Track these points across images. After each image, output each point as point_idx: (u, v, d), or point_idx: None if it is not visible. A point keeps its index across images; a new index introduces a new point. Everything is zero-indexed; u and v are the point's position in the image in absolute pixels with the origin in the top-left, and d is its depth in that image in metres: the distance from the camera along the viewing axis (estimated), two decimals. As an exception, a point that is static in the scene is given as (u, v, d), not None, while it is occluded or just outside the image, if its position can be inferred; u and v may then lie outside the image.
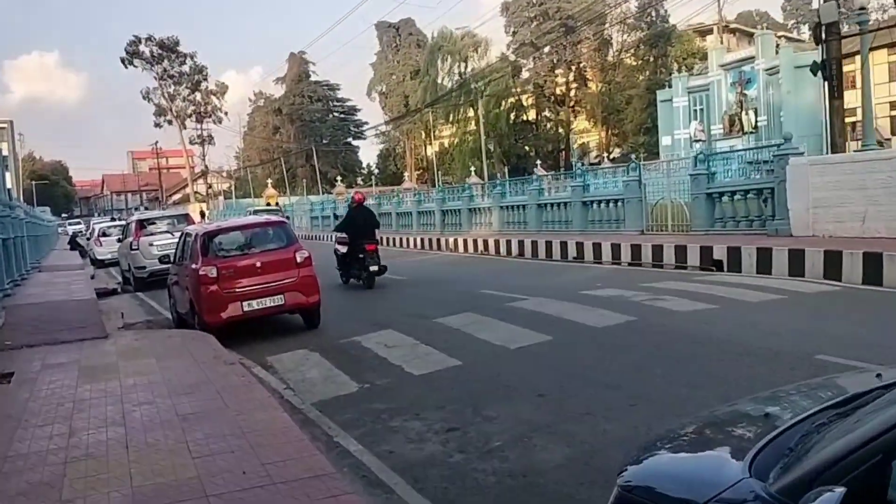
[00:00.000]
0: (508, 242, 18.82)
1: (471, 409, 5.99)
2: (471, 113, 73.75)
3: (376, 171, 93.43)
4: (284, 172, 76.90)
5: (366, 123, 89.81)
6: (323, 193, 71.34)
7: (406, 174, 75.45)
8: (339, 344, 9.22)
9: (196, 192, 76.00)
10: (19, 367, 7.24)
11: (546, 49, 72.37)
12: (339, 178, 71.20)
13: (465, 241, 21.15)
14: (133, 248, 17.78)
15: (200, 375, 6.56)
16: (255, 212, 25.13)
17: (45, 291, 12.75)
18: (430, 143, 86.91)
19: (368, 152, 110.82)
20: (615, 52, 70.12)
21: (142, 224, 18.39)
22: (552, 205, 19.26)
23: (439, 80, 75.94)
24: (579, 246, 15.84)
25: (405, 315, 10.73)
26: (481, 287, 12.78)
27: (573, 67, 73.73)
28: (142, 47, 69.31)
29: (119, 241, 20.35)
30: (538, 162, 60.56)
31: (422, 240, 24.18)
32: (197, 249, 10.11)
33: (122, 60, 68.61)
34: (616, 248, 14.61)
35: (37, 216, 25.00)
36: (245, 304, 9.80)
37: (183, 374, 6.65)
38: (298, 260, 10.21)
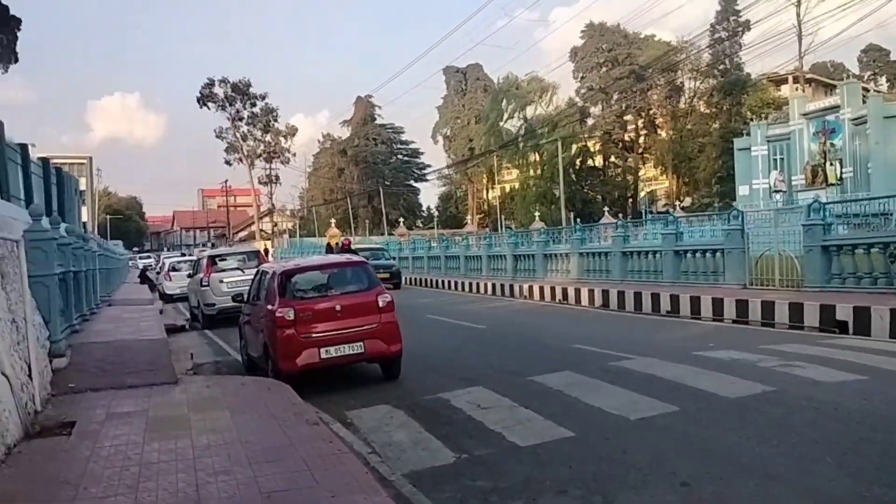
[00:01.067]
0: (591, 292, 17.70)
1: (600, 498, 4.96)
2: (535, 157, 73.30)
3: (436, 213, 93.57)
4: (352, 212, 77.32)
5: (429, 166, 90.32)
6: (384, 234, 71.34)
7: (468, 217, 75.11)
8: (425, 401, 8.30)
9: (262, 230, 77.03)
10: (82, 416, 6.54)
11: (615, 95, 71.80)
12: (401, 219, 71.37)
13: (542, 289, 20.11)
14: (203, 284, 17.34)
15: (281, 437, 5.70)
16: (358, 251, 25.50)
17: (113, 328, 12.22)
18: (493, 187, 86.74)
19: (429, 195, 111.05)
20: (687, 100, 68.82)
21: (213, 260, 17.97)
22: (639, 253, 18.10)
23: (503, 125, 75.87)
24: (674, 299, 14.63)
25: (493, 370, 9.76)
26: (573, 341, 11.72)
27: (643, 114, 72.74)
28: (216, 89, 71.43)
29: (189, 276, 20.02)
30: (605, 208, 59.37)
31: (493, 285, 23.24)
32: (274, 289, 9.40)
33: (197, 100, 70.69)
34: (718, 303, 13.36)
35: (109, 249, 25.11)
36: (322, 350, 9.00)
37: (262, 434, 5.80)
38: (380, 304, 9.39)
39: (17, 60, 70.01)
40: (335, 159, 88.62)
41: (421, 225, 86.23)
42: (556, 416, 7.08)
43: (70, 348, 9.05)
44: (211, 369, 11.76)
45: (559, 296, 19.12)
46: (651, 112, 72.51)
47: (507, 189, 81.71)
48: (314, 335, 8.99)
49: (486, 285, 23.77)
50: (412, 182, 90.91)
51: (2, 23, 67.72)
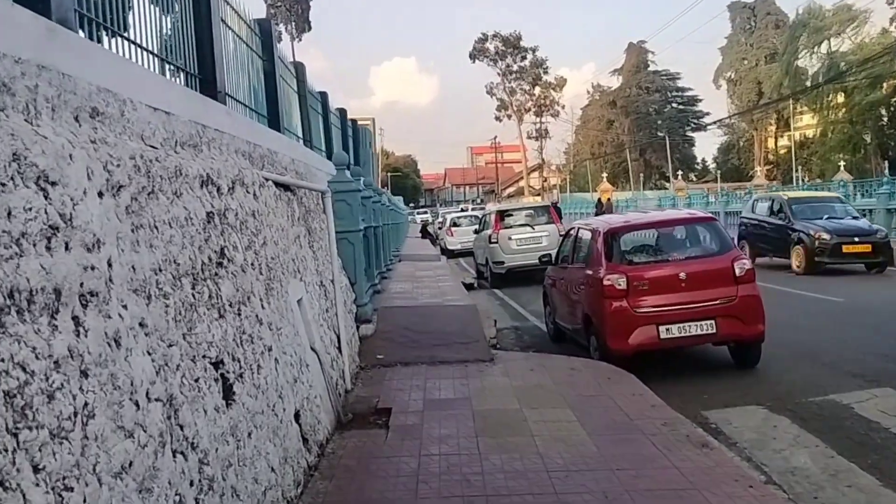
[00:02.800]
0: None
1: None
2: (839, 99, 63.52)
3: (713, 165, 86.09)
4: (630, 164, 73.85)
5: (707, 114, 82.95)
6: (654, 188, 67.15)
7: (758, 168, 67.72)
8: (813, 405, 6.15)
9: (530, 186, 76.82)
10: (397, 400, 5.45)
11: (944, 20, 59.51)
12: (679, 173, 66.40)
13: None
14: (492, 241, 16.35)
15: (667, 467, 4.02)
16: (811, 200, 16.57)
17: (412, 289, 11.48)
18: (782, 136, 77.35)
19: (704, 146, 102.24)
20: None
21: (501, 216, 16.88)
22: None
23: (801, 63, 66.60)
24: None
25: (893, 363, 7.22)
26: None
27: (983, 40, 59.35)
28: (487, 44, 71.79)
29: (476, 232, 19.26)
30: (927, 158, 49.50)
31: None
32: (598, 250, 7.73)
33: (470, 56, 71.67)
34: None
35: (396, 205, 25.58)
36: (663, 328, 7.17)
37: (636, 458, 4.17)
38: (737, 272, 7.28)
39: (310, 28, 76.24)
40: (604, 111, 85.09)
41: (695, 179, 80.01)
42: None
43: (375, 313, 8.24)
44: (511, 336, 10.58)
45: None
46: None
47: (797, 136, 72.22)
48: (652, 309, 7.19)
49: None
50: (688, 132, 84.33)
51: (297, -7, 73.61)
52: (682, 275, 7.24)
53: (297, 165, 6.65)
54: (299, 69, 8.64)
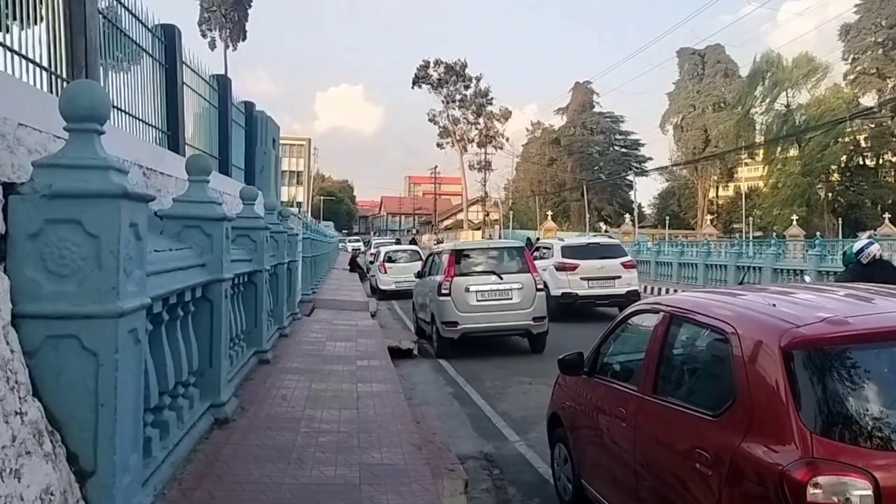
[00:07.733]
0: None
1: None
2: (791, 152, 61.99)
3: (649, 211, 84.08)
4: (586, 203, 70.31)
5: (650, 159, 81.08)
6: (592, 230, 63.80)
7: (708, 217, 65.42)
8: None
9: (469, 220, 72.77)
10: None
11: (891, 81, 58.98)
12: (626, 216, 63.28)
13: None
14: (442, 292, 11.52)
15: None
16: None
17: (313, 405, 6.01)
18: (726, 186, 75.96)
19: (643, 190, 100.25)
20: None
21: (457, 258, 12.04)
22: None
23: (756, 113, 65.04)
24: None
25: None
26: None
27: (929, 103, 58.91)
28: (430, 71, 68.20)
29: (418, 276, 14.28)
30: (886, 215, 47.48)
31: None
32: (774, 391, 3.00)
33: (413, 81, 67.79)
34: None
35: (320, 231, 20.62)
36: None
37: None
38: None
39: (245, 38, 70.73)
40: (546, 149, 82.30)
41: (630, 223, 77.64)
42: None
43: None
44: (484, 484, 5.87)
45: None
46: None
47: (744, 188, 70.69)
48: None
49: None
50: (629, 176, 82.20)
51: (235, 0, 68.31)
52: None
53: None
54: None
